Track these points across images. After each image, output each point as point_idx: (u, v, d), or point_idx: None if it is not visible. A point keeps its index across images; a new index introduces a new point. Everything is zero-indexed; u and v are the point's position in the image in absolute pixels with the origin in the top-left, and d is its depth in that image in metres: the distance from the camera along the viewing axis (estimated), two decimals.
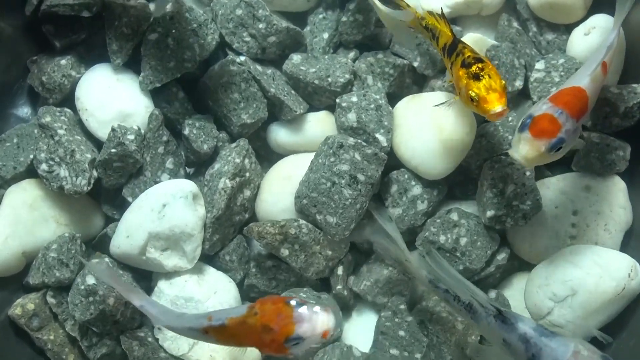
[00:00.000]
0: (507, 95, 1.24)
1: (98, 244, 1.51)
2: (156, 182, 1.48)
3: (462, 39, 1.39)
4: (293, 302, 1.09)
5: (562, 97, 1.22)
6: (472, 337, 1.42)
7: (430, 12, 1.40)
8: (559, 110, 1.19)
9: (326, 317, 1.07)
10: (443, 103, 1.39)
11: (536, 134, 1.17)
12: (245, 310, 1.12)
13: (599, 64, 1.29)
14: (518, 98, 1.52)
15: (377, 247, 1.43)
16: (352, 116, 1.44)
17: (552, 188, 1.47)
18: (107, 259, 1.45)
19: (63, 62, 1.52)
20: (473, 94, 1.23)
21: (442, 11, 1.39)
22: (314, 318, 1.07)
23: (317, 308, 1.08)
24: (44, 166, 1.44)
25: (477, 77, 1.24)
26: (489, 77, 1.23)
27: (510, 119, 1.46)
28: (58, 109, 1.51)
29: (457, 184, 1.51)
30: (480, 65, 1.25)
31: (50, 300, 1.45)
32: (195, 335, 1.23)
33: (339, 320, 1.07)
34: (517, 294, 1.48)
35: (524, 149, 1.17)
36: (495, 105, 1.21)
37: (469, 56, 1.28)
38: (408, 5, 1.43)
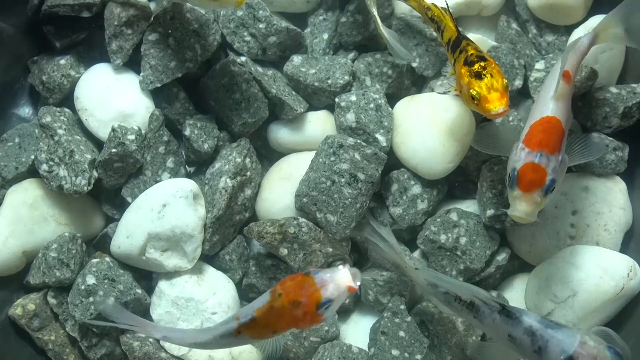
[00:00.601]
0: (508, 93, 1.24)
1: (98, 244, 1.52)
2: (156, 182, 1.48)
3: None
4: (311, 272, 1.11)
5: (536, 136, 1.21)
6: (472, 338, 1.42)
7: (435, 5, 1.40)
8: (538, 154, 1.18)
9: (346, 272, 1.10)
10: (447, 92, 1.39)
11: (526, 189, 1.17)
12: (268, 296, 1.13)
13: (559, 80, 1.27)
14: (518, 97, 1.52)
15: (373, 253, 1.43)
16: (351, 116, 1.45)
17: None
18: (108, 259, 1.45)
19: (62, 62, 1.52)
20: (474, 93, 1.23)
21: (447, 5, 1.39)
22: (336, 277, 1.09)
23: (334, 269, 1.11)
24: (44, 166, 1.44)
25: (479, 76, 1.24)
26: (491, 76, 1.23)
27: (511, 118, 1.47)
28: (58, 109, 1.51)
29: (456, 184, 1.51)
30: (482, 63, 1.25)
31: (51, 300, 1.45)
32: (228, 342, 1.22)
33: (358, 273, 1.11)
34: (517, 295, 1.48)
35: (522, 207, 1.18)
36: (497, 105, 1.22)
37: (472, 54, 1.28)
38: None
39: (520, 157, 1.20)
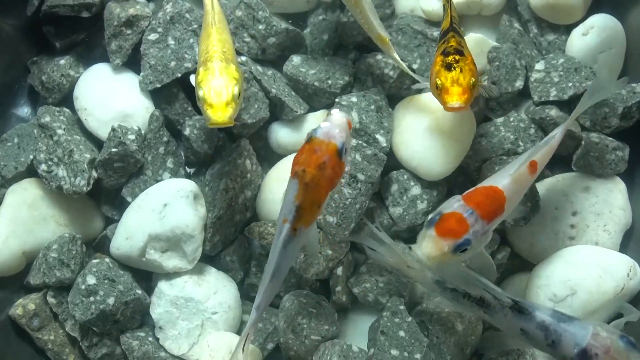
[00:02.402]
0: (472, 94, 1.25)
1: (98, 246, 1.52)
2: (157, 181, 1.48)
3: (464, 36, 1.39)
4: (311, 135, 1.16)
5: (476, 196, 1.19)
6: (471, 338, 1.43)
7: None
8: (470, 210, 1.16)
9: (338, 114, 1.17)
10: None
11: (441, 233, 1.14)
12: (296, 182, 1.15)
13: (524, 164, 1.25)
14: (518, 98, 1.52)
15: (372, 258, 1.43)
16: (354, 116, 1.44)
17: (551, 189, 1.48)
18: (107, 260, 1.45)
19: (62, 62, 1.52)
20: (439, 82, 1.24)
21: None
22: (334, 123, 1.16)
23: (327, 119, 1.17)
24: (43, 166, 1.44)
25: (448, 67, 1.25)
26: (460, 71, 1.24)
27: (512, 119, 1.47)
28: (57, 108, 1.51)
29: (456, 184, 1.51)
30: (457, 57, 1.26)
31: (51, 300, 1.45)
32: (294, 248, 1.19)
33: (345, 110, 1.22)
34: (517, 295, 1.48)
35: (427, 248, 1.14)
36: (454, 99, 1.23)
37: (451, 45, 1.29)
38: None
39: (453, 205, 1.18)
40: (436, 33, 1.47)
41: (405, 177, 1.46)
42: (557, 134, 1.33)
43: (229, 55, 1.27)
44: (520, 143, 1.45)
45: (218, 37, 1.30)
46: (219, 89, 1.20)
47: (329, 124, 1.16)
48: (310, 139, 1.16)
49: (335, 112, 1.17)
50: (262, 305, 1.22)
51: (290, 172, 1.16)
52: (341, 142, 1.15)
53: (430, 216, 1.19)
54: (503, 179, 1.23)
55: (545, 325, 1.20)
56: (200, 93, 1.21)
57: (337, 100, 1.47)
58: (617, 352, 1.14)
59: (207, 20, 1.33)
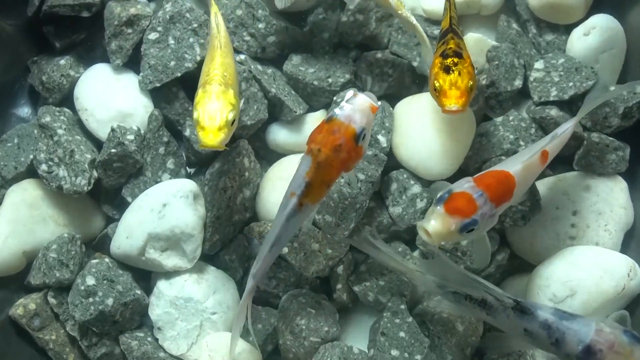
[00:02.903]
0: (470, 96, 1.25)
1: (98, 245, 1.52)
2: (157, 182, 1.48)
3: (463, 37, 1.39)
4: (332, 115, 1.17)
5: (487, 178, 1.20)
6: (472, 338, 1.42)
7: None
8: (480, 192, 1.17)
9: (363, 97, 1.17)
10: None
11: (450, 211, 1.15)
12: (309, 159, 1.17)
13: (537, 152, 1.27)
14: (518, 97, 1.52)
15: (375, 258, 1.42)
16: None
17: (552, 188, 1.47)
18: (107, 260, 1.45)
19: (62, 62, 1.53)
20: (437, 85, 1.25)
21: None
22: (357, 106, 1.16)
23: (349, 100, 1.16)
24: (43, 166, 1.44)
25: (447, 70, 1.25)
26: (459, 73, 1.24)
27: (511, 118, 1.47)
28: (58, 108, 1.51)
29: None
30: (455, 59, 1.26)
31: (51, 300, 1.45)
32: (297, 221, 1.22)
33: (371, 94, 1.19)
34: (517, 296, 1.47)
35: (435, 224, 1.14)
36: (452, 102, 1.23)
37: (450, 48, 1.29)
38: None
39: (463, 186, 1.19)
40: (436, 31, 1.47)
41: (405, 176, 1.46)
42: (569, 127, 1.34)
43: (229, 80, 1.28)
44: (521, 143, 1.45)
45: (221, 60, 1.30)
46: (214, 113, 1.21)
47: (352, 107, 1.16)
48: (330, 118, 1.17)
49: (360, 95, 1.17)
50: (259, 274, 1.25)
51: (305, 148, 1.18)
52: (360, 127, 1.16)
53: (440, 194, 1.19)
54: (515, 165, 1.24)
55: (548, 324, 1.19)
56: (195, 115, 1.22)
57: (334, 99, 1.47)
58: (621, 347, 1.13)
59: (213, 43, 1.34)
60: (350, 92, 1.20)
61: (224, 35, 1.37)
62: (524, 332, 1.23)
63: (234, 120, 1.23)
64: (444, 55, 1.27)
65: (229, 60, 1.33)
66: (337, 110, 1.17)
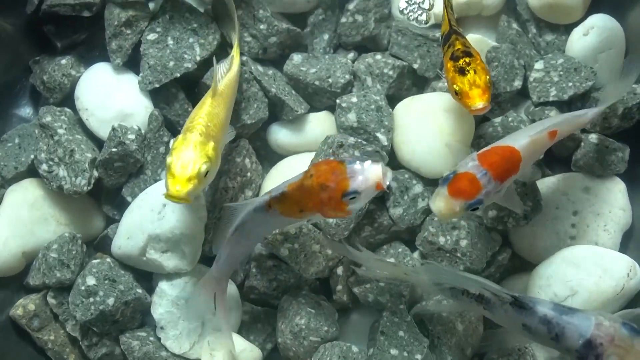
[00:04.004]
0: (491, 90, 1.26)
1: (99, 245, 1.51)
2: (157, 181, 1.48)
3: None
4: (345, 160, 1.15)
5: (491, 156, 1.19)
6: (472, 338, 1.43)
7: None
8: (483, 171, 1.16)
9: (378, 169, 1.14)
10: (440, 75, 1.42)
11: (453, 193, 1.15)
12: (302, 175, 1.17)
13: (548, 129, 1.25)
14: (517, 98, 1.52)
15: (365, 275, 1.43)
16: (352, 116, 1.45)
17: (552, 188, 1.48)
18: (108, 259, 1.45)
19: (63, 61, 1.52)
20: (457, 88, 1.25)
21: (447, 1, 1.40)
22: (367, 171, 1.13)
23: (368, 162, 1.14)
24: (44, 166, 1.44)
25: (462, 72, 1.25)
26: (474, 72, 1.25)
27: (510, 119, 1.47)
28: (58, 108, 1.51)
29: None
30: (467, 59, 1.27)
31: (51, 300, 1.45)
32: (262, 219, 1.23)
33: (389, 172, 1.17)
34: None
35: (439, 206, 1.16)
36: (477, 101, 1.23)
37: (458, 49, 1.29)
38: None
39: (467, 165, 1.18)
40: (437, 34, 1.47)
41: (407, 176, 1.46)
42: (589, 113, 1.33)
43: (212, 130, 1.25)
44: None
45: (210, 110, 1.27)
46: (186, 162, 1.18)
47: (363, 168, 1.14)
48: (343, 161, 1.16)
49: (376, 167, 1.14)
50: (223, 259, 1.29)
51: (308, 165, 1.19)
52: (354, 189, 1.13)
53: (445, 174, 1.20)
54: (522, 139, 1.23)
55: (547, 319, 1.20)
56: (168, 160, 1.19)
57: (337, 101, 1.47)
58: (622, 340, 1.14)
59: (213, 87, 1.32)
60: (375, 161, 1.16)
61: (226, 84, 1.34)
62: (522, 328, 1.23)
63: (207, 173, 1.20)
64: (455, 58, 1.28)
65: (220, 110, 1.30)
66: (354, 162, 1.15)
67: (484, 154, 1.20)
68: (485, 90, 1.24)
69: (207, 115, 1.26)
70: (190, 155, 1.19)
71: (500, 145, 1.23)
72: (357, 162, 1.15)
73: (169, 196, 1.17)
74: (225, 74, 1.36)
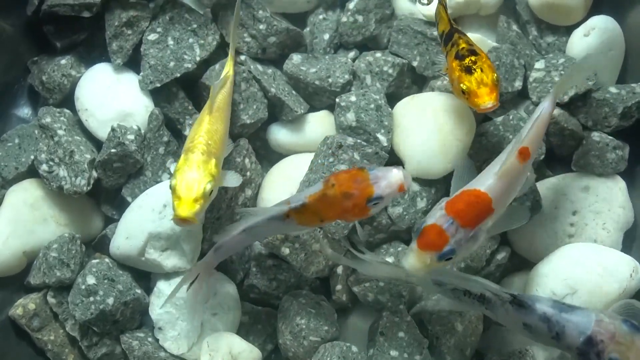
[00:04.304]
0: (498, 88, 1.25)
1: (98, 245, 1.51)
2: (157, 182, 1.48)
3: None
4: (365, 167, 1.19)
5: (458, 203, 1.18)
6: (472, 338, 1.42)
7: None
8: (450, 221, 1.15)
9: (399, 173, 1.17)
10: (439, 72, 1.43)
11: (422, 247, 1.15)
12: (322, 185, 1.19)
13: (511, 155, 1.21)
14: (517, 98, 1.52)
15: (367, 274, 1.43)
16: (351, 116, 1.45)
17: (552, 188, 1.47)
18: (107, 260, 1.45)
19: (63, 61, 1.53)
20: (464, 87, 1.24)
21: None
22: (389, 176, 1.16)
23: (388, 168, 1.18)
24: (44, 167, 1.44)
25: (469, 71, 1.25)
26: (481, 70, 1.24)
27: (511, 117, 1.46)
28: (58, 109, 1.51)
29: None
30: (473, 58, 1.26)
31: (51, 300, 1.45)
32: (277, 227, 1.25)
33: (409, 176, 1.20)
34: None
35: (411, 261, 1.15)
36: (486, 99, 1.23)
37: (463, 48, 1.29)
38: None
39: (435, 215, 1.18)
40: (436, 32, 1.47)
41: None
42: (542, 110, 1.28)
43: (213, 148, 1.26)
44: None
45: (209, 127, 1.28)
46: (191, 183, 1.19)
47: (384, 174, 1.17)
48: (363, 169, 1.18)
49: (397, 171, 1.17)
50: (222, 250, 1.30)
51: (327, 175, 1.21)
52: (379, 194, 1.16)
53: (416, 226, 1.20)
54: (487, 180, 1.20)
55: (547, 317, 1.20)
56: (173, 182, 1.21)
57: (337, 100, 1.47)
58: (622, 336, 1.14)
59: (208, 104, 1.32)
60: (397, 168, 1.19)
61: (221, 99, 1.35)
62: (523, 327, 1.23)
63: (211, 191, 1.21)
64: (460, 57, 1.27)
65: (218, 126, 1.31)
66: (375, 168, 1.18)
67: (451, 202, 1.19)
68: (493, 88, 1.23)
69: (206, 133, 1.27)
70: (194, 176, 1.20)
71: (467, 190, 1.21)
72: (380, 170, 1.18)
73: (177, 217, 1.18)
74: (220, 87, 1.36)
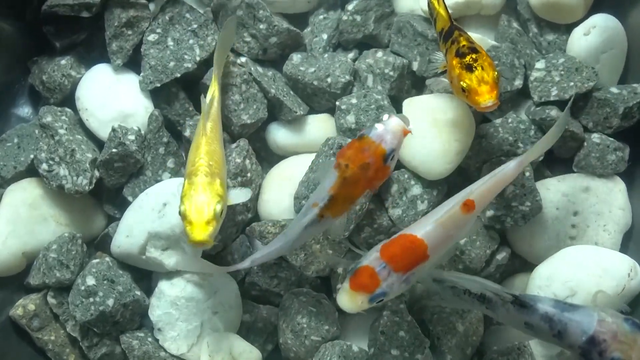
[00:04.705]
0: (499, 87, 1.24)
1: (100, 244, 1.51)
2: (157, 181, 1.48)
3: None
4: (364, 133, 1.19)
5: (392, 248, 1.18)
6: (472, 338, 1.43)
7: None
8: (382, 264, 1.16)
9: (396, 119, 1.19)
10: (436, 70, 1.41)
11: (354, 288, 1.16)
12: (335, 173, 1.19)
13: (456, 206, 1.21)
14: (517, 97, 1.52)
15: None
16: (350, 118, 1.45)
17: (552, 189, 1.47)
18: (107, 259, 1.45)
19: (63, 62, 1.53)
20: (464, 85, 1.23)
21: None
22: (389, 129, 1.18)
23: (384, 120, 1.20)
24: (44, 165, 1.44)
25: (469, 68, 1.24)
26: (482, 68, 1.23)
27: (510, 120, 1.46)
28: (59, 108, 1.51)
29: (456, 184, 1.50)
30: (474, 55, 1.25)
31: (51, 300, 1.45)
32: (315, 230, 1.25)
33: (406, 117, 1.23)
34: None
35: (343, 301, 1.17)
36: (486, 97, 1.22)
37: (463, 45, 1.28)
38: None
39: (369, 257, 1.18)
40: (435, 33, 1.47)
41: (406, 176, 1.45)
42: (505, 169, 1.27)
43: (215, 168, 1.26)
44: (520, 144, 1.45)
45: (207, 148, 1.28)
46: (201, 206, 1.19)
47: (384, 127, 1.18)
48: (361, 137, 1.19)
49: (394, 117, 1.19)
50: (257, 262, 1.30)
51: (334, 162, 1.20)
52: (391, 148, 1.18)
53: (351, 266, 1.20)
54: (426, 226, 1.20)
55: (549, 316, 1.20)
56: (182, 208, 1.20)
57: (337, 103, 1.47)
58: (624, 335, 1.14)
59: (199, 128, 1.32)
60: (385, 115, 1.21)
61: (213, 118, 1.34)
62: (525, 326, 1.24)
63: (222, 212, 1.21)
64: (461, 55, 1.26)
65: (215, 146, 1.31)
66: (369, 129, 1.19)
67: (386, 246, 1.19)
68: (494, 86, 1.23)
69: (206, 154, 1.27)
70: (203, 199, 1.20)
71: (404, 234, 1.21)
72: (375, 128, 1.18)
73: (192, 242, 1.18)
74: (209, 108, 1.36)
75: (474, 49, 1.27)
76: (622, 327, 1.15)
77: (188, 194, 1.21)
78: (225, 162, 1.35)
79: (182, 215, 1.20)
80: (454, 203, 1.23)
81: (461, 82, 1.24)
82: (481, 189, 1.24)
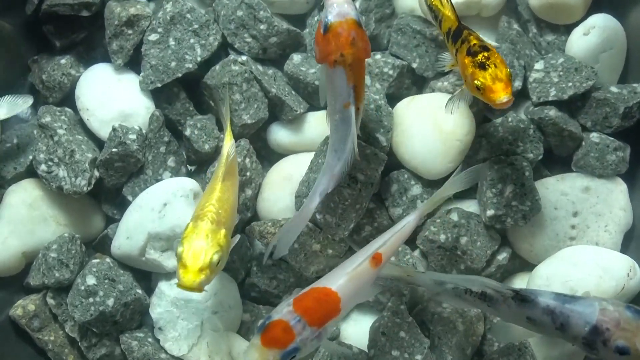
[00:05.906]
0: (512, 83, 1.24)
1: (99, 245, 1.51)
2: (157, 180, 1.48)
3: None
4: (325, 24, 1.18)
5: (306, 300, 1.15)
6: (473, 338, 1.43)
7: None
8: (297, 318, 1.11)
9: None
10: (443, 68, 1.41)
11: (266, 343, 1.09)
12: (341, 69, 1.19)
13: (366, 260, 1.21)
14: (518, 98, 1.52)
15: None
16: None
17: (551, 189, 1.47)
18: (108, 260, 1.45)
19: (63, 61, 1.53)
20: (479, 83, 1.23)
21: None
22: (339, 1, 1.19)
23: (329, 7, 1.19)
24: (43, 167, 1.44)
25: (483, 67, 1.23)
26: (495, 66, 1.23)
27: (510, 119, 1.46)
28: (58, 108, 1.51)
29: None
30: (486, 54, 1.25)
31: (50, 301, 1.45)
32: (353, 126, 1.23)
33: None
34: None
35: (253, 357, 1.09)
36: (502, 94, 1.21)
37: (474, 44, 1.28)
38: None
39: (282, 311, 1.12)
40: (436, 32, 1.47)
41: (406, 176, 1.46)
42: (406, 223, 1.29)
43: (223, 217, 1.23)
44: (520, 144, 1.45)
45: (220, 195, 1.26)
46: (198, 252, 1.16)
47: (335, 4, 1.18)
48: (327, 27, 1.18)
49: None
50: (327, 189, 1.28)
51: (328, 64, 1.19)
52: (355, 13, 1.19)
53: (261, 321, 1.17)
54: (339, 279, 1.19)
55: (550, 309, 1.20)
56: (179, 249, 1.17)
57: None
58: (627, 323, 1.15)
59: (217, 172, 1.31)
60: (327, 4, 1.20)
61: (230, 166, 1.33)
62: (527, 321, 1.24)
63: (219, 262, 1.18)
64: (473, 53, 1.26)
65: (229, 195, 1.28)
66: (326, 18, 1.19)
67: (299, 299, 1.15)
68: (508, 83, 1.22)
69: (217, 201, 1.25)
70: (202, 245, 1.17)
71: (317, 287, 1.19)
72: (330, 12, 1.18)
73: (180, 286, 1.16)
74: (224, 159, 1.34)
75: (485, 47, 1.27)
76: (625, 315, 1.15)
77: (189, 236, 1.18)
78: (236, 215, 1.33)
79: (178, 257, 1.17)
80: (363, 258, 1.21)
81: (475, 81, 1.24)
82: (388, 244, 1.25)
